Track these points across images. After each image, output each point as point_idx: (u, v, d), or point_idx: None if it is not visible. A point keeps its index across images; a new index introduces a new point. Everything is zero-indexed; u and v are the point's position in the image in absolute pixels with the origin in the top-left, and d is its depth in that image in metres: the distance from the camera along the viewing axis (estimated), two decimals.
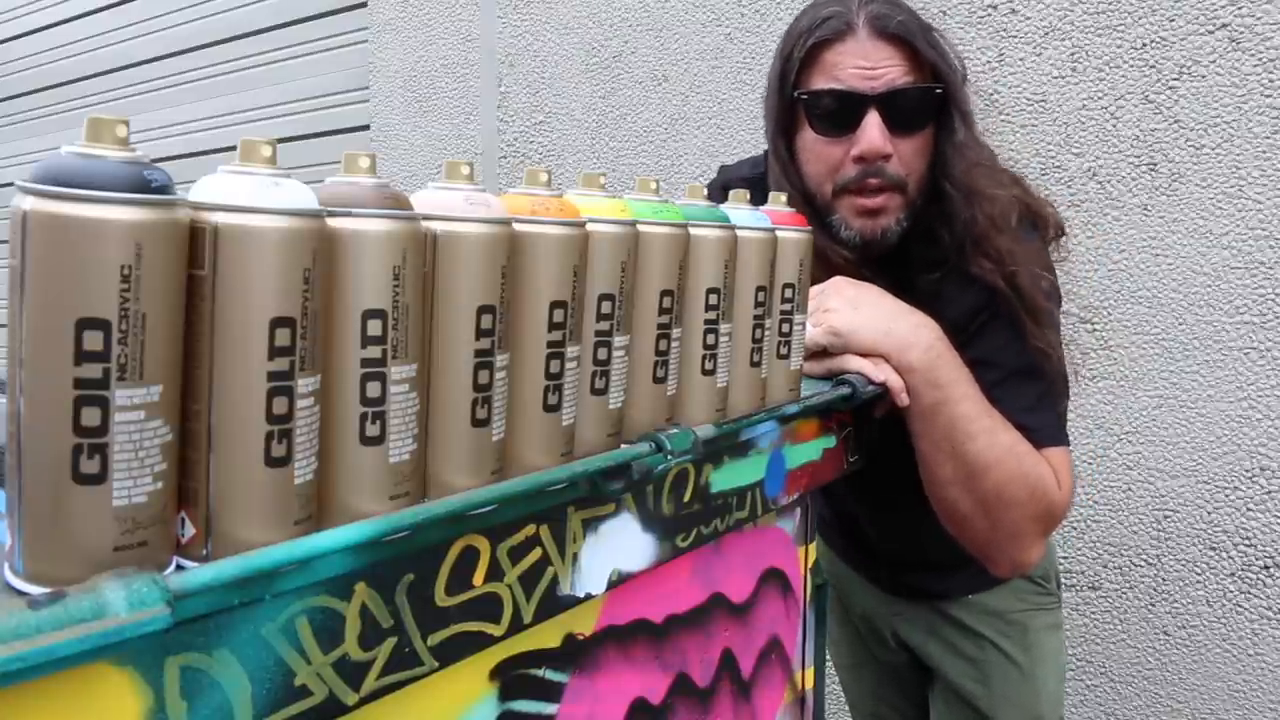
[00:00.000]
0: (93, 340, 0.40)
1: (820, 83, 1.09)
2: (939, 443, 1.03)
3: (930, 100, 1.09)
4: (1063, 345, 1.13)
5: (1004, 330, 1.09)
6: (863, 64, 1.06)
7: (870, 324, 1.01)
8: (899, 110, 1.07)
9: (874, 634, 1.44)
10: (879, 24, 1.07)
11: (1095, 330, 1.83)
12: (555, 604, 0.64)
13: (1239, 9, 1.68)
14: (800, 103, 1.10)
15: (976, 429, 1.02)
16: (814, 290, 1.05)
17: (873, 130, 1.06)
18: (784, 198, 0.92)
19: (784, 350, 0.89)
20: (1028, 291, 1.08)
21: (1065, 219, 1.23)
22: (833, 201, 1.11)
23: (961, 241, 1.09)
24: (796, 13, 1.15)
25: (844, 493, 1.32)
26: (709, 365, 0.78)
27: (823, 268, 1.08)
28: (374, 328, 0.51)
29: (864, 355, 1.01)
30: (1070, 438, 1.15)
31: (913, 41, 1.07)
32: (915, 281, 1.10)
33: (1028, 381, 1.09)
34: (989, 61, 1.92)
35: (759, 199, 0.90)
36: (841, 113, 1.08)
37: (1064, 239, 1.20)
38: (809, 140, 1.11)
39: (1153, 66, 1.76)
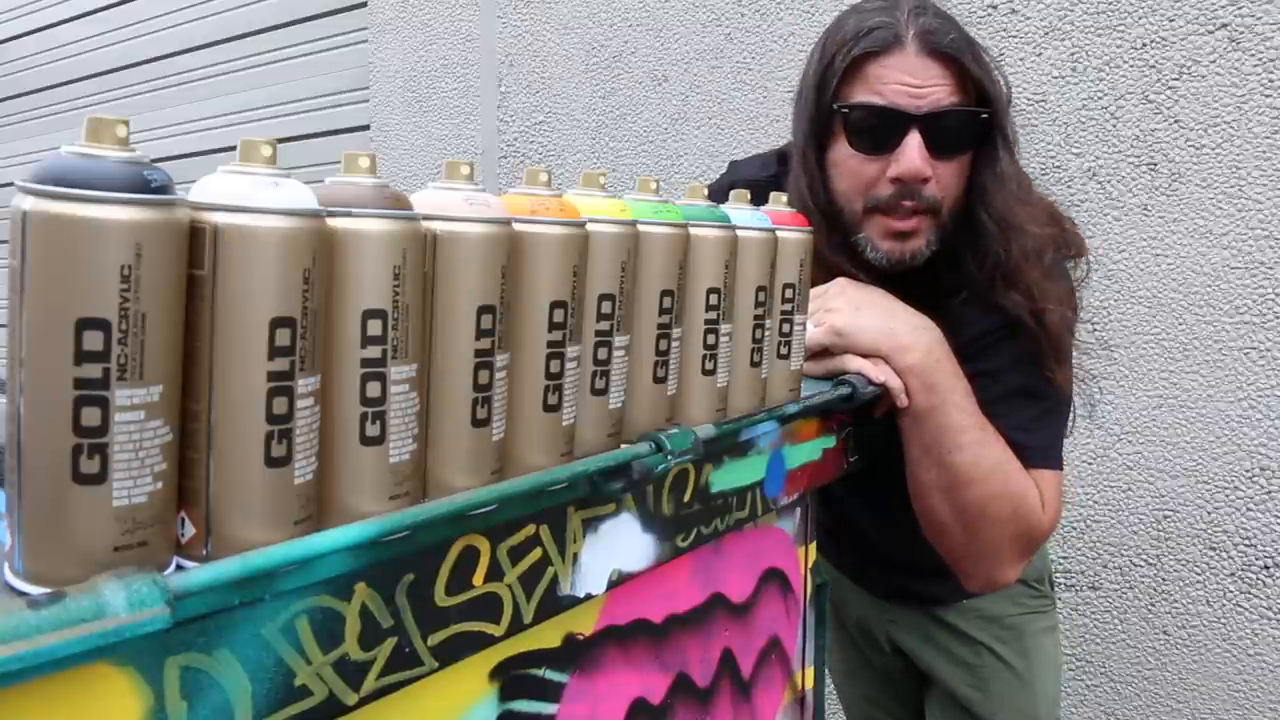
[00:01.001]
0: (93, 340, 0.40)
1: (861, 96, 1.03)
2: (927, 448, 1.03)
3: (975, 124, 1.05)
4: (1073, 378, 1.11)
5: (1013, 349, 1.07)
6: (909, 81, 1.01)
7: (872, 325, 1.01)
8: (942, 132, 1.02)
9: (868, 640, 1.44)
10: (930, 40, 1.01)
11: (1095, 330, 1.82)
12: (555, 604, 0.64)
13: (1239, 9, 1.68)
14: (838, 115, 1.05)
15: (966, 440, 1.01)
16: (817, 290, 1.04)
17: (913, 152, 1.01)
18: (784, 198, 0.92)
19: (784, 350, 0.89)
20: (1055, 329, 1.05)
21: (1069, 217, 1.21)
22: (862, 219, 1.07)
23: (992, 274, 1.06)
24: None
25: (843, 494, 1.31)
26: (709, 365, 0.78)
27: (829, 277, 1.07)
28: (374, 328, 0.51)
29: (864, 356, 1.01)
30: (1070, 439, 1.14)
31: (962, 61, 1.02)
32: (938, 304, 1.07)
33: (1028, 400, 1.08)
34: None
35: (763, 200, 0.90)
36: (882, 130, 1.02)
37: (1085, 259, 1.17)
38: (843, 154, 1.06)
39: (1153, 66, 1.76)
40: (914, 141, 1.01)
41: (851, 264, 1.09)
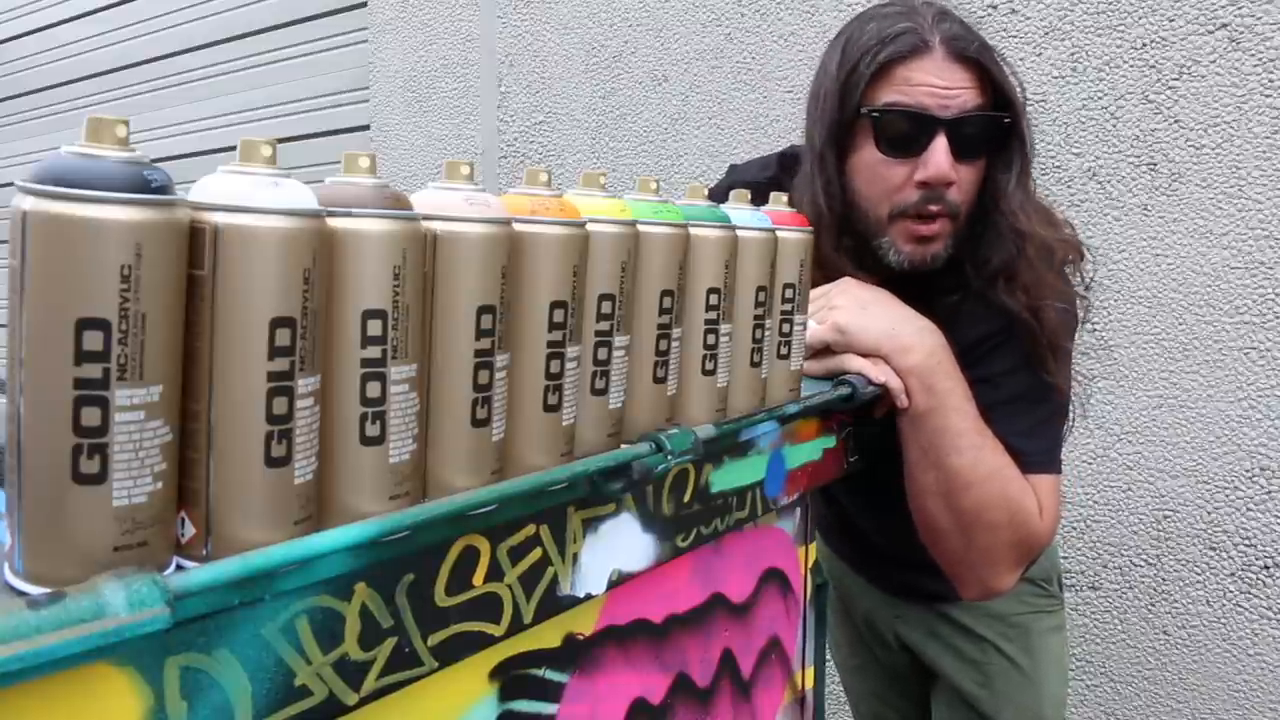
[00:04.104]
0: (93, 340, 0.40)
1: (889, 99, 1.04)
2: (925, 450, 1.03)
3: (996, 128, 1.06)
4: (1072, 379, 1.12)
5: (1012, 354, 1.08)
6: (937, 84, 1.02)
7: (875, 324, 1.01)
8: (966, 136, 1.03)
9: (875, 635, 1.44)
10: (956, 45, 1.03)
11: (1095, 330, 1.83)
12: (555, 604, 0.64)
13: (1239, 9, 1.68)
14: (865, 118, 1.05)
15: (964, 444, 1.01)
16: (821, 289, 1.04)
17: (940, 155, 1.02)
18: (785, 198, 0.92)
19: (784, 350, 0.89)
20: (1051, 328, 1.06)
21: (1066, 219, 1.21)
22: (886, 224, 1.07)
23: (994, 274, 1.07)
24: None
25: (845, 493, 1.31)
26: (709, 365, 0.78)
27: (827, 280, 1.07)
28: (374, 328, 0.51)
29: (866, 355, 1.01)
30: (1070, 439, 1.14)
31: (986, 65, 1.04)
32: (933, 303, 1.08)
33: (1027, 406, 1.08)
34: None
35: (763, 202, 0.90)
36: (910, 133, 1.03)
37: (1084, 262, 1.16)
38: (869, 159, 1.06)
39: (1153, 66, 1.76)
40: (941, 145, 1.02)
41: (855, 266, 1.09)
